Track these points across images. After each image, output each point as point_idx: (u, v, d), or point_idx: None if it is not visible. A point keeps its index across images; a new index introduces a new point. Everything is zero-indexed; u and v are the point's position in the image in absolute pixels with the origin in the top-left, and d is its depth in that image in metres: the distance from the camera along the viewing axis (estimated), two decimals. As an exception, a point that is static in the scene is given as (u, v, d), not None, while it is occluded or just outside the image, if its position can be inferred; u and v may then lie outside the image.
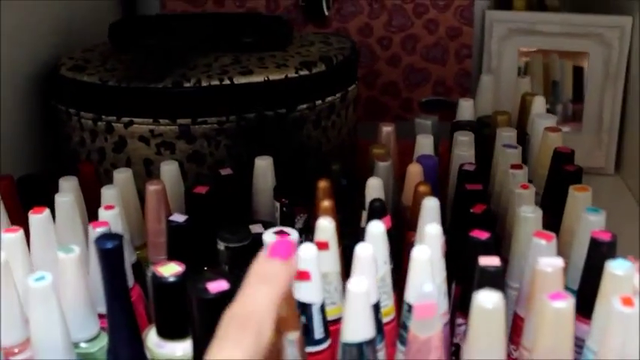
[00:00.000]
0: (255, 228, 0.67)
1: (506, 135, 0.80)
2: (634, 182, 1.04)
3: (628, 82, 1.08)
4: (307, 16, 1.13)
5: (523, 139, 0.85)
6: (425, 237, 0.59)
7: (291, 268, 0.42)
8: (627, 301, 0.50)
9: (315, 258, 0.56)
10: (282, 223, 0.70)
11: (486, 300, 0.50)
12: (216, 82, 0.78)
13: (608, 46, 1.06)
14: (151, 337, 0.61)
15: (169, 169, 0.74)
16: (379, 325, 0.58)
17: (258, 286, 0.41)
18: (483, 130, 0.85)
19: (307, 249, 0.56)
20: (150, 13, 1.15)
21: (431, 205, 0.63)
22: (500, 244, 0.69)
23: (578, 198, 0.67)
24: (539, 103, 0.88)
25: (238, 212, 0.71)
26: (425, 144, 0.79)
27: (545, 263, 0.55)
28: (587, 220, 0.63)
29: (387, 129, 0.82)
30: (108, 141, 0.81)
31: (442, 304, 0.61)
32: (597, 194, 1.06)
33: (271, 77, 0.79)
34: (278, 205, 0.70)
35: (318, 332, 0.58)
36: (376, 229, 0.59)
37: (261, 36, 0.87)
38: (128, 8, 1.17)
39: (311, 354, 0.58)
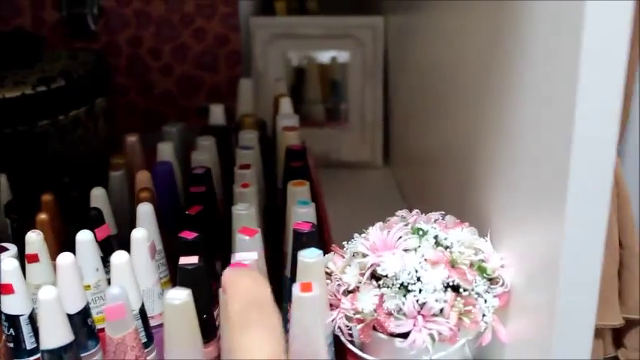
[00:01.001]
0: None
1: (246, 137, 0.84)
2: (399, 173, 1.11)
3: (387, 78, 1.15)
4: (73, 33, 1.13)
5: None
6: (132, 241, 0.62)
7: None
8: (306, 287, 0.54)
9: (17, 270, 0.57)
10: (14, 239, 0.71)
11: (174, 297, 0.54)
12: (-51, 103, 0.78)
13: (363, 46, 1.13)
14: None
15: None
16: (90, 330, 0.59)
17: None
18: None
19: (8, 262, 0.57)
20: None
21: (144, 210, 0.66)
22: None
23: (294, 192, 0.71)
24: (285, 104, 0.93)
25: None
26: (164, 150, 0.81)
27: (241, 257, 0.59)
28: (297, 212, 0.68)
29: (131, 139, 0.85)
30: None
31: (156, 306, 0.63)
32: (365, 186, 1.14)
33: (7, 95, 0.80)
34: (9, 221, 0.71)
35: (29, 342, 0.59)
36: (83, 237, 0.62)
37: (5, 54, 0.87)
38: None
39: (22, 365, 0.59)
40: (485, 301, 0.59)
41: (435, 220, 0.63)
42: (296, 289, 0.53)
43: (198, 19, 1.16)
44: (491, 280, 0.60)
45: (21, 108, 0.81)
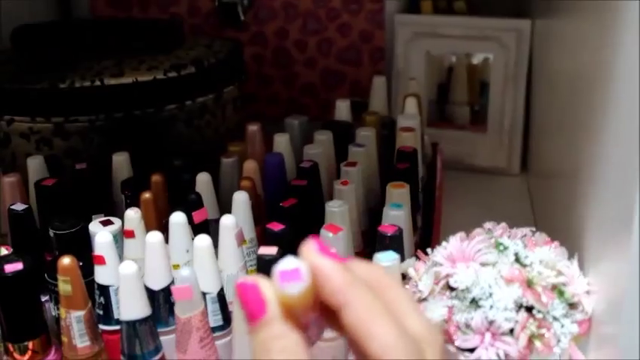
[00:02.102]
0: (96, 221, 0.73)
1: (362, 134, 0.85)
2: (534, 183, 1.07)
3: (531, 84, 1.11)
4: (223, 22, 1.18)
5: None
6: (220, 227, 0.64)
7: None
8: None
9: (110, 243, 0.61)
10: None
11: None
12: (87, 83, 0.84)
13: (507, 49, 1.10)
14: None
15: (34, 163, 0.80)
16: (172, 307, 0.62)
17: None
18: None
19: (102, 235, 0.62)
20: (81, 15, 1.22)
21: (238, 198, 0.68)
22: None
23: (391, 193, 0.71)
24: (410, 104, 0.92)
25: (87, 203, 0.77)
26: (280, 141, 0.83)
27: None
28: (388, 214, 0.67)
29: (252, 127, 0.87)
30: (-5, 138, 0.87)
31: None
32: (494, 194, 1.10)
33: (140, 79, 0.85)
34: (123, 196, 0.76)
35: (117, 312, 0.63)
36: (176, 219, 0.65)
37: (145, 41, 0.92)
38: (62, 11, 1.24)
39: (107, 332, 0.63)
40: (562, 326, 0.56)
41: (523, 236, 0.61)
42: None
43: (344, 14, 1.17)
44: (572, 305, 0.57)
45: (151, 91, 0.85)
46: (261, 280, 0.37)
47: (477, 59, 1.16)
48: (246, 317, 0.37)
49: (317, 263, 0.37)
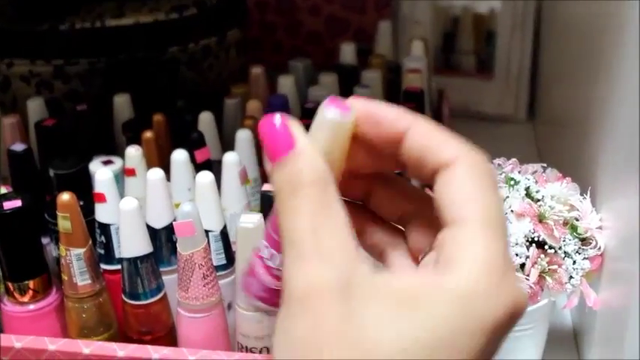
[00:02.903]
0: (97, 161, 0.72)
1: (367, 76, 0.83)
2: (541, 130, 1.05)
3: (539, 32, 1.09)
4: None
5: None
6: (223, 164, 0.63)
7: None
8: None
9: (110, 180, 0.60)
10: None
11: (247, 220, 0.54)
12: (88, 25, 0.82)
13: (514, -6, 1.07)
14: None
15: (34, 105, 0.78)
16: (175, 246, 0.61)
17: None
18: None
19: (102, 172, 0.60)
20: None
21: (241, 136, 0.67)
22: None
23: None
24: (416, 47, 0.91)
25: (88, 145, 0.75)
26: (284, 83, 0.82)
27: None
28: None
29: (255, 70, 0.86)
30: (-5, 81, 0.86)
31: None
32: (500, 140, 1.09)
33: (141, 20, 0.83)
34: (125, 138, 0.74)
35: (118, 251, 0.62)
36: (177, 157, 0.63)
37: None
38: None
39: (107, 271, 0.62)
40: (574, 262, 0.55)
41: (534, 172, 0.59)
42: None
43: (349, -41, 1.15)
44: (584, 241, 0.55)
45: (153, 33, 0.83)
46: (286, 116, 0.32)
47: (483, 8, 1.14)
48: (268, 155, 0.32)
49: (365, 103, 0.33)
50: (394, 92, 0.86)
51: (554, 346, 0.66)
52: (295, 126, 0.32)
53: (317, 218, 0.30)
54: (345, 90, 0.82)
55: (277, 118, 0.32)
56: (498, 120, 1.12)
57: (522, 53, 1.09)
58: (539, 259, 0.54)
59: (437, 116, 0.95)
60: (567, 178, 0.59)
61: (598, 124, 0.62)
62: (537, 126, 1.09)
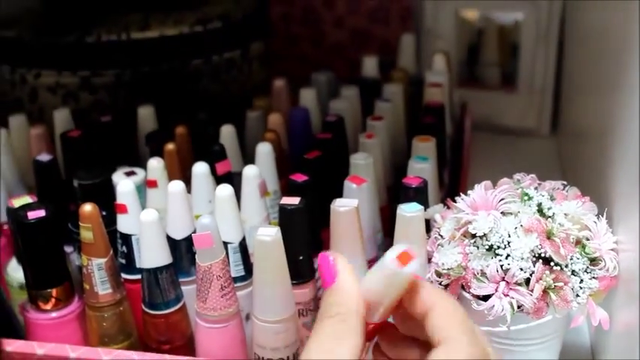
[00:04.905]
0: (120, 171, 0.73)
1: (389, 90, 0.83)
2: (564, 145, 1.05)
3: (564, 44, 1.09)
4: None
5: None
6: (243, 177, 0.64)
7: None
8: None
9: (132, 192, 0.61)
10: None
11: (265, 234, 0.55)
12: (114, 37, 0.84)
13: (538, 7, 1.07)
14: (12, 264, 0.68)
15: (60, 116, 0.80)
16: (194, 257, 0.62)
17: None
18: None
19: (124, 184, 0.61)
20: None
21: (262, 150, 0.68)
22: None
23: (417, 147, 0.70)
24: (438, 61, 0.91)
25: (112, 156, 0.77)
26: (306, 96, 0.82)
27: (339, 204, 0.59)
28: (413, 166, 0.67)
29: (278, 83, 0.87)
30: (23, 92, 0.88)
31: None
32: (522, 154, 1.09)
33: (166, 33, 0.84)
34: (148, 149, 0.76)
35: (138, 262, 0.63)
36: (198, 169, 0.64)
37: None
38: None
39: (128, 281, 0.63)
40: (581, 280, 0.55)
41: (553, 189, 0.60)
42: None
43: (373, -27, 1.15)
44: (593, 261, 0.55)
45: (177, 46, 0.85)
46: (339, 255, 0.42)
47: (507, 20, 1.14)
48: (322, 283, 0.42)
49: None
50: (417, 106, 0.87)
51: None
52: (342, 264, 0.41)
53: (327, 344, 0.39)
54: (367, 104, 0.83)
55: (331, 255, 0.41)
56: (521, 134, 1.13)
57: (546, 66, 1.09)
58: (544, 275, 0.54)
59: (459, 130, 0.96)
60: (585, 198, 0.59)
61: (618, 141, 0.62)
62: (560, 140, 1.09)
